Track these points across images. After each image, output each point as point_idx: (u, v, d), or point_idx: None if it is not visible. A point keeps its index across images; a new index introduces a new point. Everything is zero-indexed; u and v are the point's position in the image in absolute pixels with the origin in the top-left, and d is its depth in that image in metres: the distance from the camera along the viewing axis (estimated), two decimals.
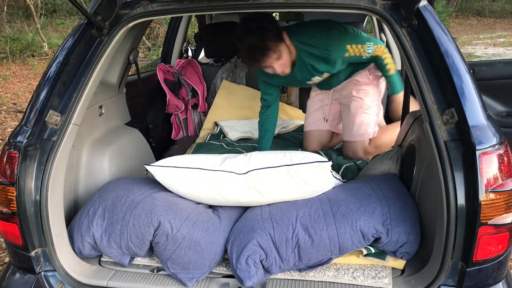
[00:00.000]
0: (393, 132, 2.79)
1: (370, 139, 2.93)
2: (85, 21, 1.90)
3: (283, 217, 1.80)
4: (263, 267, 1.74)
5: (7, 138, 1.83)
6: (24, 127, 1.79)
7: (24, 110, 1.87)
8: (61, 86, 1.83)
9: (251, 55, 2.38)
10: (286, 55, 2.44)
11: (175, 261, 1.76)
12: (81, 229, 1.86)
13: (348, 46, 2.52)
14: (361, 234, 1.74)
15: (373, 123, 2.92)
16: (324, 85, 2.94)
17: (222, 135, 3.39)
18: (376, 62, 2.73)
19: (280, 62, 2.44)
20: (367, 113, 2.88)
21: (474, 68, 2.83)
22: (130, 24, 1.92)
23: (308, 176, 1.85)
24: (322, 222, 1.76)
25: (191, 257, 1.75)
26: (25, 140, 1.75)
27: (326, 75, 2.68)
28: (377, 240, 1.78)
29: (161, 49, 4.83)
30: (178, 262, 1.76)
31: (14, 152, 1.73)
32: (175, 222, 1.78)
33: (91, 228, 1.85)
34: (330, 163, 1.89)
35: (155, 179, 2.00)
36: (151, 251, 1.90)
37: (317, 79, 2.71)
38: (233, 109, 3.69)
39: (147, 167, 1.98)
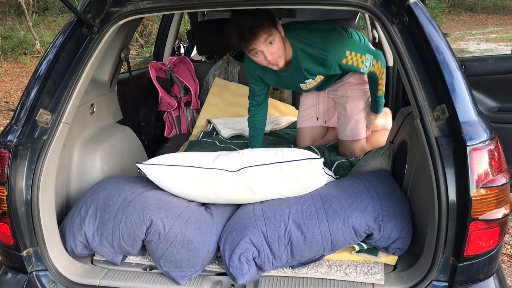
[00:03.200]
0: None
1: (367, 138, 2.92)
2: (75, 19, 1.89)
3: (275, 214, 1.80)
4: (256, 264, 1.75)
5: None
6: (14, 126, 1.77)
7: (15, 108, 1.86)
8: (52, 85, 1.82)
9: (241, 34, 2.20)
10: (278, 43, 2.27)
11: (168, 259, 1.76)
12: (73, 228, 1.85)
13: (348, 53, 2.39)
14: (353, 231, 1.75)
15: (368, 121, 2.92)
16: (317, 88, 2.82)
17: (215, 133, 3.39)
18: (370, 78, 2.66)
19: (271, 49, 2.26)
20: (363, 112, 2.88)
21: (466, 64, 2.84)
22: (121, 22, 1.90)
23: (300, 173, 1.86)
24: (314, 218, 1.76)
25: (183, 255, 1.75)
26: (15, 139, 1.74)
27: (319, 78, 2.57)
28: (369, 236, 1.79)
29: (153, 46, 4.82)
30: (171, 261, 1.76)
31: (4, 151, 1.72)
32: (167, 221, 1.78)
33: (83, 227, 1.84)
34: (322, 160, 1.89)
35: (148, 178, 2.00)
36: (143, 250, 1.90)
37: (310, 82, 2.60)
38: (226, 106, 3.69)
39: (139, 165, 1.97)
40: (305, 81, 2.58)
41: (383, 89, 2.66)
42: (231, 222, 1.87)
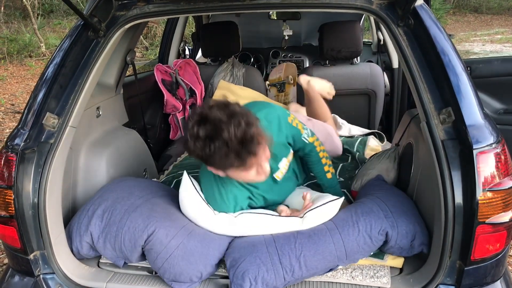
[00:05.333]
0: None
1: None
2: (82, 23, 1.90)
3: (286, 234, 1.79)
4: (262, 282, 1.67)
5: (4, 141, 1.82)
6: (22, 130, 1.78)
7: (22, 111, 1.87)
8: (58, 89, 1.83)
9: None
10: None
11: (167, 270, 1.73)
12: (80, 228, 1.86)
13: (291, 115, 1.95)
14: (366, 235, 1.73)
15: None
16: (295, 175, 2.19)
17: None
18: (308, 157, 2.09)
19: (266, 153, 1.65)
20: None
21: (471, 65, 2.83)
22: (127, 26, 1.91)
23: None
24: (325, 231, 1.76)
25: (183, 267, 1.71)
26: (23, 143, 1.75)
27: (287, 160, 2.01)
28: (386, 239, 1.76)
29: (158, 48, 4.82)
30: (170, 272, 1.72)
31: (12, 155, 1.73)
32: (170, 231, 1.75)
33: (90, 228, 1.84)
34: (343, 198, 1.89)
35: (157, 181, 1.97)
36: (143, 257, 1.85)
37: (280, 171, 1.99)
38: None
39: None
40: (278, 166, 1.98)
41: (332, 170, 2.11)
42: (240, 240, 1.82)
